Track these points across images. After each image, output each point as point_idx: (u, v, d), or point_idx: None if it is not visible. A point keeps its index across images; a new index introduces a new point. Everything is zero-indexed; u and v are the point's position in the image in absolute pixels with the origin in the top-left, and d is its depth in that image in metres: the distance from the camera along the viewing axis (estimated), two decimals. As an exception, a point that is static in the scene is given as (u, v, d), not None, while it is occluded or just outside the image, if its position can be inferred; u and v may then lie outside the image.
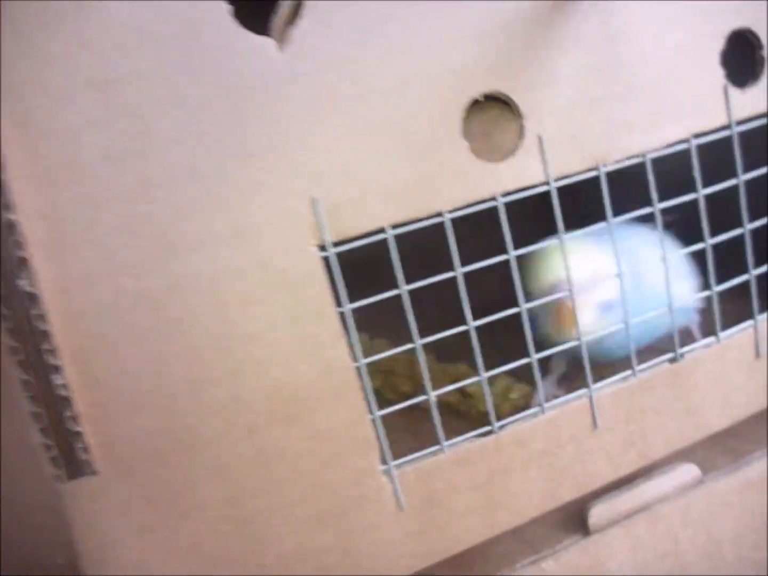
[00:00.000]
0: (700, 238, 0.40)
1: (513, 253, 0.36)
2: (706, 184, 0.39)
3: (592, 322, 0.40)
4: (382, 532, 0.36)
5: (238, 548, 0.34)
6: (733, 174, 0.39)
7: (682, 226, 0.41)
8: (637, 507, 0.45)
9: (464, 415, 0.48)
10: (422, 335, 0.35)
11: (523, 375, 0.41)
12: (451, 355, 0.49)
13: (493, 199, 0.35)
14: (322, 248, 0.33)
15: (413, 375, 0.51)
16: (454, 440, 0.37)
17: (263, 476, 0.33)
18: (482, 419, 0.38)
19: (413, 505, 0.37)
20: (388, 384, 0.53)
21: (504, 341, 0.38)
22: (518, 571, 0.41)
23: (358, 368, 0.34)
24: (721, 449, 0.51)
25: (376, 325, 0.48)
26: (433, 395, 0.36)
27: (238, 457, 0.33)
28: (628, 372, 0.40)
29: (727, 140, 0.39)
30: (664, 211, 0.38)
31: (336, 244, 0.33)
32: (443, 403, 0.48)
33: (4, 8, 0.26)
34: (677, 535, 0.46)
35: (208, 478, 0.32)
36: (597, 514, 0.45)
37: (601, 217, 0.37)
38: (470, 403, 0.47)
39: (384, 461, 0.35)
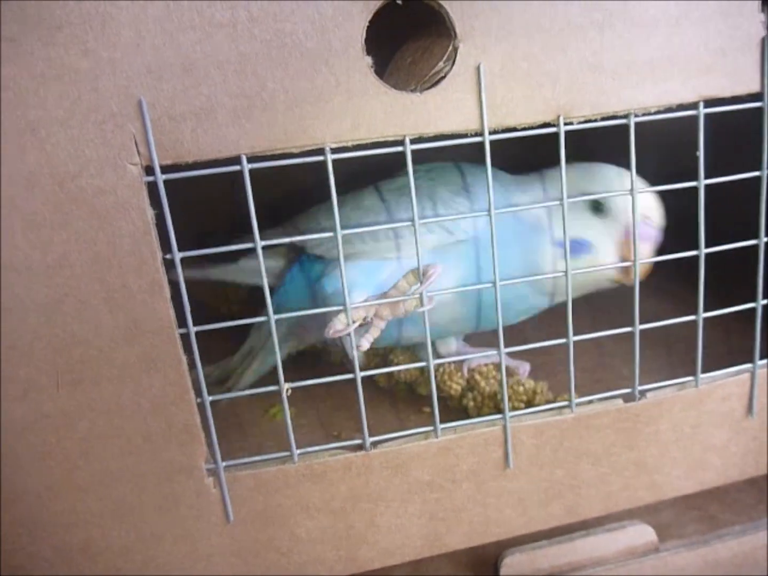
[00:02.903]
0: (690, 244, 0.29)
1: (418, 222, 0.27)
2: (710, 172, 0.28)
3: None
4: (199, 542, 0.29)
5: (2, 532, 0.27)
6: (752, 164, 0.29)
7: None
8: (564, 565, 0.36)
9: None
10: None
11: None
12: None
13: (399, 143, 0.26)
14: (150, 171, 0.24)
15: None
16: (308, 449, 0.29)
17: (42, 450, 0.26)
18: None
19: (246, 518, 0.29)
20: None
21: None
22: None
23: (184, 335, 0.26)
24: (695, 515, 0.41)
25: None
26: (285, 387, 0.28)
27: (9, 421, 0.25)
28: (564, 403, 0.30)
29: (752, 117, 0.28)
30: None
31: (167, 169, 0.24)
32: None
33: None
34: (611, 609, 0.37)
35: (-33, 441, 0.25)
36: (512, 564, 0.36)
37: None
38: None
39: (213, 459, 0.28)
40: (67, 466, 0.27)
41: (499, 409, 0.34)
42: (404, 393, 0.42)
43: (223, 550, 0.29)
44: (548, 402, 0.35)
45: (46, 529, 0.27)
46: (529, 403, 0.36)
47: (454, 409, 0.39)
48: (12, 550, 0.27)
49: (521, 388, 0.36)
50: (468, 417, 0.33)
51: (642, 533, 0.37)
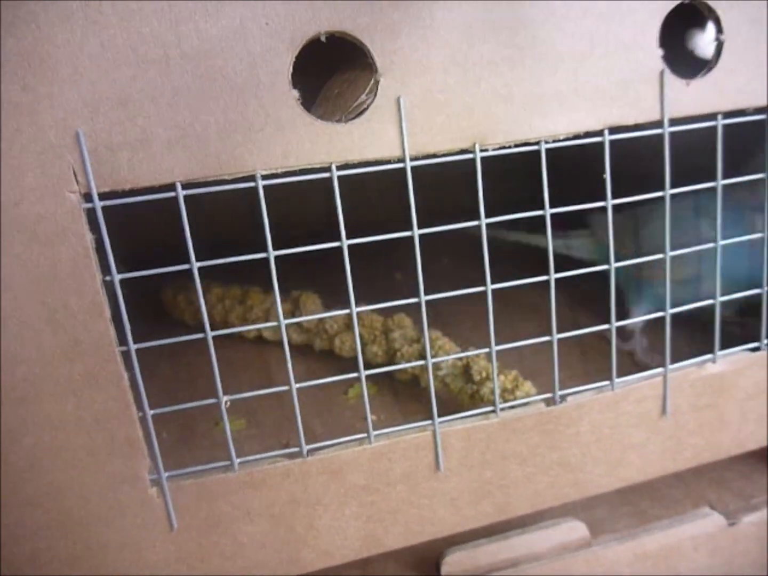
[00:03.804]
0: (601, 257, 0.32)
1: (345, 242, 0.29)
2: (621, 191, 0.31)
3: None
4: (144, 550, 0.30)
5: (-51, 546, 0.28)
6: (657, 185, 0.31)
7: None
8: (502, 561, 0.39)
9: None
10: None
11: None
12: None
13: (327, 169, 0.28)
14: (88, 198, 0.26)
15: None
16: (248, 458, 0.30)
17: (-14, 465, 0.27)
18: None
19: (190, 526, 0.30)
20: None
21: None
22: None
23: (125, 353, 0.27)
24: (627, 510, 0.43)
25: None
26: (224, 400, 0.29)
27: (-46, 437, 0.27)
28: (489, 408, 0.33)
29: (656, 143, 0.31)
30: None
31: (105, 196, 0.26)
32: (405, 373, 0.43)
33: None
34: (546, 602, 0.39)
35: None
36: (453, 562, 0.38)
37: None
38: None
39: (155, 470, 0.29)
40: (14, 479, 0.28)
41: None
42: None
43: (168, 557, 0.30)
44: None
45: (-8, 539, 0.28)
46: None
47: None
48: (-40, 563, 0.28)
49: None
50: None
51: (575, 529, 0.40)
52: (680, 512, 0.42)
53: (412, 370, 0.43)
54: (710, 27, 0.32)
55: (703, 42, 0.36)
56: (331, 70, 0.30)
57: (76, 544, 0.29)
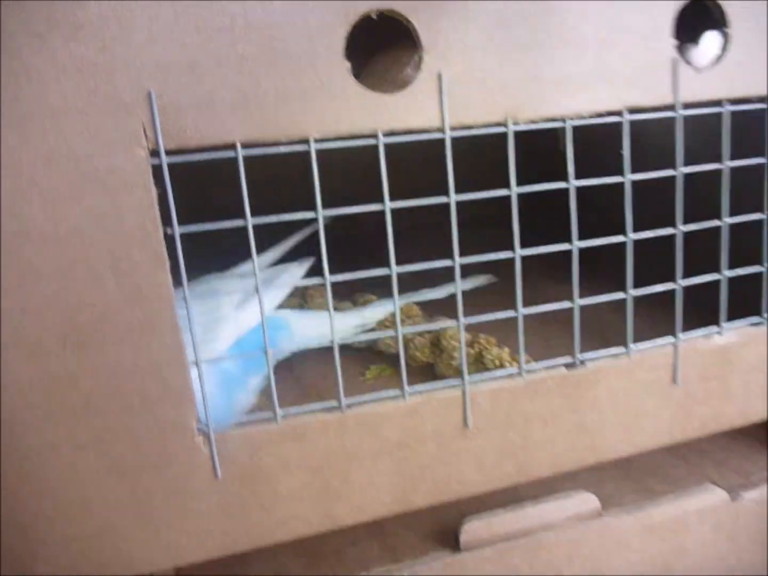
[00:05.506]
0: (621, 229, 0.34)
1: (387, 204, 0.31)
2: (639, 166, 0.34)
3: None
4: (188, 499, 0.31)
5: (5, 488, 0.29)
6: (670, 162, 0.34)
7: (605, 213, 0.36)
8: (518, 531, 0.40)
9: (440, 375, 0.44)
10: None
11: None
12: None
13: (374, 136, 0.30)
14: (155, 154, 0.28)
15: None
16: (290, 410, 0.32)
17: (46, 407, 0.28)
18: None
19: (232, 475, 0.31)
20: None
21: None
22: (372, 578, 0.36)
23: (183, 300, 0.29)
24: (634, 487, 0.45)
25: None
26: (269, 352, 0.31)
27: (17, 380, 0.28)
28: (514, 370, 0.35)
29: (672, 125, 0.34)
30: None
31: (171, 153, 0.28)
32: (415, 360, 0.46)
33: None
34: (560, 569, 0.41)
35: (-23, 398, 0.28)
36: (470, 530, 0.39)
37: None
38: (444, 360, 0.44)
39: (204, 419, 0.31)
40: (70, 424, 0.29)
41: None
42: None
43: (210, 506, 0.32)
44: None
45: (47, 485, 0.29)
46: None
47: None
48: (15, 507, 0.29)
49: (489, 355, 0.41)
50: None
51: (586, 501, 0.42)
52: (685, 488, 0.44)
53: (426, 358, 0.45)
54: (705, 39, 0.35)
55: (698, 54, 0.39)
56: (375, 48, 0.33)
57: (124, 489, 0.30)
